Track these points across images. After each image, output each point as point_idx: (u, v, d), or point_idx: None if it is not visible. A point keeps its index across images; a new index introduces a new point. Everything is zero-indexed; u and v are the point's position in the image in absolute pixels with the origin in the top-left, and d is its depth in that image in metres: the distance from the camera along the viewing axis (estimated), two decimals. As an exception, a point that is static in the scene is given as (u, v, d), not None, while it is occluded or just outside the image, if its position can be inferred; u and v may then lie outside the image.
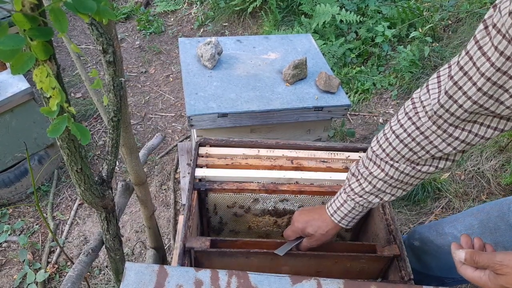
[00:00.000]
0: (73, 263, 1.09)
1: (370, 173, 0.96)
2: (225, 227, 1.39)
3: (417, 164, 0.91)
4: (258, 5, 3.35)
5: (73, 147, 0.79)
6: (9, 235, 2.14)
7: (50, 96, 0.59)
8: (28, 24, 0.53)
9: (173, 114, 2.91)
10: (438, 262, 1.28)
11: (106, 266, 2.03)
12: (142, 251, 2.10)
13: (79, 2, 0.53)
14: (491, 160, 2.29)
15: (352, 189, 1.01)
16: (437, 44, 3.00)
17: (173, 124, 2.84)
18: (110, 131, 0.94)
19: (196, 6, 3.87)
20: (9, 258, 2.07)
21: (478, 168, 2.29)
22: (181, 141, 2.69)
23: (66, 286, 1.00)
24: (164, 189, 2.41)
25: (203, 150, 1.32)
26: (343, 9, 3.10)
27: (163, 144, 2.69)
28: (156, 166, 2.54)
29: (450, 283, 1.36)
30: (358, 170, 1.00)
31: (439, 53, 2.93)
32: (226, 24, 3.65)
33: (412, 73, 2.87)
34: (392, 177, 0.94)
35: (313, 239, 1.07)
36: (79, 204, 2.30)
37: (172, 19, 3.83)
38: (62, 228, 2.21)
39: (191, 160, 1.30)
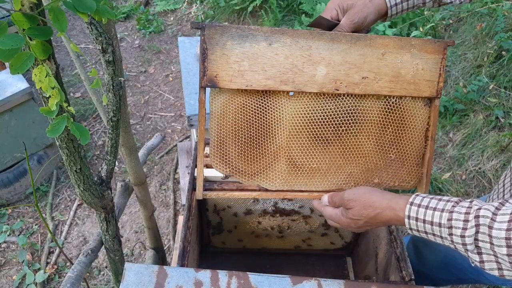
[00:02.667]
0: (73, 264, 1.09)
1: None
2: (225, 227, 1.39)
3: None
4: (258, 4, 3.34)
5: (72, 147, 0.78)
6: (8, 235, 2.14)
7: (49, 96, 0.58)
8: (28, 24, 0.52)
9: (172, 114, 2.90)
10: (436, 256, 1.29)
11: (106, 267, 2.03)
12: (142, 251, 2.09)
13: (79, 2, 0.53)
14: (492, 160, 2.28)
15: None
16: (437, 44, 2.99)
17: (173, 124, 2.83)
18: (110, 131, 0.93)
19: (196, 5, 3.87)
20: (8, 259, 2.06)
21: (479, 168, 2.28)
22: (181, 141, 2.68)
23: (66, 287, 1.00)
24: (164, 189, 2.40)
25: (203, 150, 1.32)
26: (343, 8, 3.09)
27: (162, 144, 2.68)
28: (155, 166, 2.53)
29: (442, 284, 1.37)
30: None
31: (439, 52, 2.92)
32: (226, 23, 3.64)
33: (412, 72, 2.86)
34: None
35: (354, 10, 0.92)
36: (78, 205, 2.30)
37: (171, 18, 3.83)
38: (61, 228, 2.20)
39: (191, 160, 1.30)
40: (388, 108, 0.93)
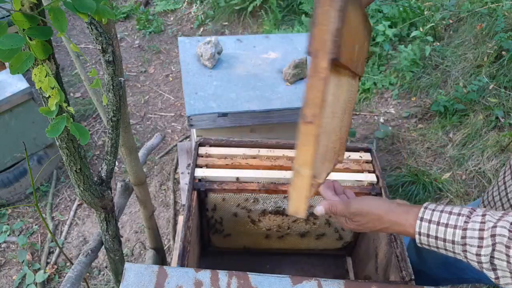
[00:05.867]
0: (73, 264, 1.09)
1: None
2: (225, 227, 1.39)
3: None
4: (258, 4, 3.34)
5: (72, 147, 0.78)
6: (8, 235, 2.13)
7: (49, 96, 0.58)
8: (28, 24, 0.52)
9: (172, 114, 2.90)
10: (437, 256, 1.29)
11: (106, 267, 2.02)
12: (142, 251, 2.09)
13: (79, 2, 0.53)
14: (492, 160, 2.28)
15: None
16: (438, 44, 2.99)
17: (173, 124, 2.83)
18: (110, 131, 0.93)
19: (196, 5, 3.87)
20: (8, 259, 2.06)
21: (479, 168, 2.28)
22: (181, 141, 2.68)
23: (66, 287, 1.00)
24: (164, 189, 2.40)
25: (203, 150, 1.32)
26: (343, 8, 3.09)
27: (162, 144, 2.68)
28: (155, 166, 2.53)
29: (443, 284, 1.37)
30: None
31: (440, 52, 2.92)
32: (226, 23, 3.64)
33: (413, 72, 2.86)
34: None
35: None
36: (78, 205, 2.30)
37: (171, 18, 3.83)
38: (61, 228, 2.20)
39: (191, 160, 1.30)
40: None
